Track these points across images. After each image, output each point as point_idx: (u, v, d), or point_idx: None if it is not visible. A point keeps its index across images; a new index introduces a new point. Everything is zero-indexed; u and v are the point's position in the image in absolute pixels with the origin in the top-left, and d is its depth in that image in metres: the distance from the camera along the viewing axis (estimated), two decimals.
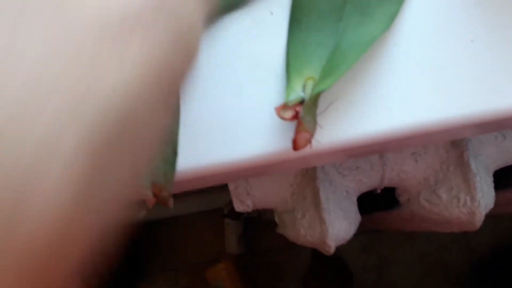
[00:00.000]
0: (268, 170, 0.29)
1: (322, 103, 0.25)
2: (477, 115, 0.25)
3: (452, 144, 0.37)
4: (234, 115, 0.25)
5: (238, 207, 0.40)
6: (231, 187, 0.39)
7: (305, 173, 0.38)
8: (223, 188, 0.43)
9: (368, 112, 0.25)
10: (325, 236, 0.37)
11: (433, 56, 0.26)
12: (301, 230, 0.38)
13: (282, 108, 0.22)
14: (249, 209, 0.41)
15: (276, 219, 0.43)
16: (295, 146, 0.22)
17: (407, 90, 0.26)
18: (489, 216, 0.44)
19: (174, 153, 0.25)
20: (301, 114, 0.22)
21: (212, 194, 0.90)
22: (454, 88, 0.25)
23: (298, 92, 0.23)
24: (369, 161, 0.39)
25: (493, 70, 0.25)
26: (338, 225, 0.37)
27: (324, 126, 0.25)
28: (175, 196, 0.25)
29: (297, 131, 0.22)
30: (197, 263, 0.95)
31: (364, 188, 0.40)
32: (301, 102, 0.22)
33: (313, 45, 0.25)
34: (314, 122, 0.23)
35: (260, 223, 0.93)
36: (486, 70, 0.25)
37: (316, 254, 0.94)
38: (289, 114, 0.22)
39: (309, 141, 0.22)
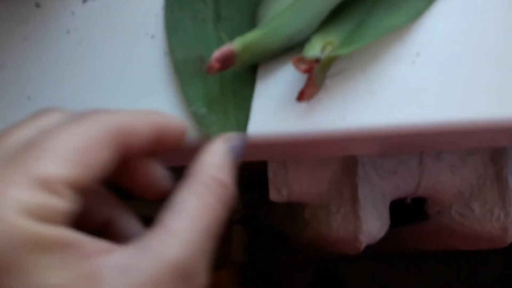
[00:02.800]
0: (300, 151, 0.29)
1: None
2: None
3: (491, 159, 0.38)
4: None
5: (274, 196, 0.41)
6: (270, 175, 0.40)
7: (345, 169, 0.39)
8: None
9: (405, 102, 0.25)
10: (358, 232, 0.38)
11: (484, 56, 0.26)
12: (334, 225, 0.39)
13: (299, 60, 0.24)
14: (283, 200, 0.42)
15: (307, 215, 0.44)
16: (301, 96, 0.24)
17: (453, 84, 0.26)
18: (498, 252, 0.44)
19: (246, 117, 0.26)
20: (315, 70, 0.24)
21: None
22: (505, 88, 0.26)
23: (316, 51, 0.24)
24: (408, 167, 0.40)
25: None
26: (372, 223, 0.38)
27: (357, 108, 0.25)
28: None
29: (307, 84, 0.24)
30: None
31: (399, 193, 0.41)
32: (317, 60, 0.24)
33: (340, 15, 0.26)
34: (323, 81, 0.25)
35: (269, 235, 0.93)
36: None
37: (319, 275, 0.94)
38: (303, 66, 0.23)
39: (312, 96, 0.24)
